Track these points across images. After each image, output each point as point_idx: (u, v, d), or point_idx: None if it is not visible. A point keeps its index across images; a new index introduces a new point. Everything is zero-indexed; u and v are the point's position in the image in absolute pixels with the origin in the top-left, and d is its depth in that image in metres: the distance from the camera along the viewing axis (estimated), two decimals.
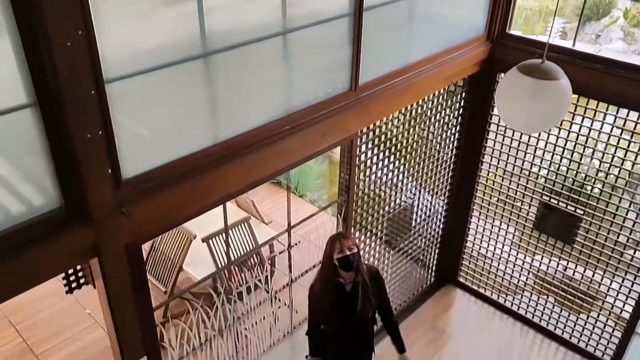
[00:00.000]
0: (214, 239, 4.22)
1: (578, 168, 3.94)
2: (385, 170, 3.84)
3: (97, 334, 4.48)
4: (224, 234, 4.21)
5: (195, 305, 2.89)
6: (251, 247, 4.40)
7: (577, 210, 3.99)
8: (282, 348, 3.60)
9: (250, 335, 3.40)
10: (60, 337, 4.46)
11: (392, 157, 3.87)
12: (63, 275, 2.31)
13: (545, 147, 4.01)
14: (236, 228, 4.37)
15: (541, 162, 4.12)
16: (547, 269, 4.38)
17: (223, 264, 4.13)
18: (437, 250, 4.84)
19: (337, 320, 3.06)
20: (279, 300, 3.67)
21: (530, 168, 4.18)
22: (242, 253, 4.33)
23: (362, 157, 3.52)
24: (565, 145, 3.91)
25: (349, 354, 3.21)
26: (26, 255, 1.92)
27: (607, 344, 4.21)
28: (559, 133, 3.91)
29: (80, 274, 2.34)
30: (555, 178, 4.05)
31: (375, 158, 3.68)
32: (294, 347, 3.69)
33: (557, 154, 3.98)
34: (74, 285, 2.34)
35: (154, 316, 2.48)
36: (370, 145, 3.57)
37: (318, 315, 3.11)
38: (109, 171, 2.04)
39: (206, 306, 2.98)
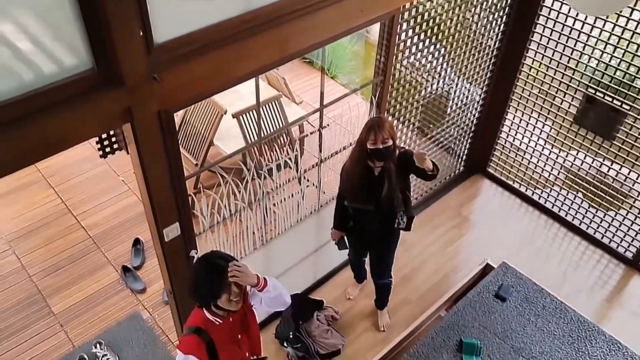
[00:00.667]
0: (244, 115, 4.20)
1: (632, 60, 3.69)
2: (424, 53, 3.66)
3: (130, 200, 4.67)
4: (254, 111, 4.18)
5: (225, 177, 2.93)
6: (281, 126, 4.37)
7: (623, 106, 3.80)
8: (308, 224, 3.69)
9: (278, 211, 3.48)
10: (96, 201, 4.67)
11: (432, 39, 3.67)
12: (97, 140, 2.32)
13: (600, 35, 3.74)
14: (267, 105, 4.32)
15: (592, 52, 3.87)
16: (581, 164, 4.29)
17: (253, 140, 4.14)
18: (469, 140, 4.76)
19: (361, 200, 3.12)
20: (308, 180, 3.71)
21: (580, 58, 3.93)
22: (272, 131, 4.31)
23: (402, 36, 3.34)
24: (622, 34, 3.63)
25: (370, 233, 3.29)
26: (60, 115, 1.92)
27: (632, 241, 4.21)
28: (617, 20, 3.62)
29: (113, 139, 2.35)
30: (605, 70, 3.82)
31: (415, 38, 3.49)
32: (320, 224, 3.79)
33: (610, 44, 3.71)
34: (107, 150, 2.36)
35: (185, 184, 2.52)
36: (411, 24, 3.37)
37: (345, 191, 3.16)
38: (140, 34, 1.96)
39: (237, 179, 3.02)
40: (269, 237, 3.51)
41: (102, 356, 3.57)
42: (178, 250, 2.71)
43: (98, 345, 3.61)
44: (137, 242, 4.27)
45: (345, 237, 3.45)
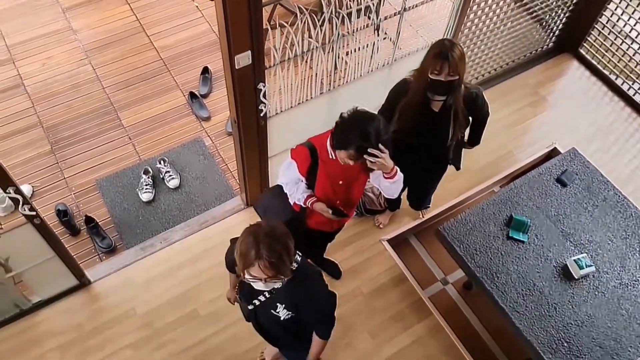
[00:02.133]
0: None
1: None
2: None
3: (203, 28, 4.64)
4: None
5: (303, 12, 2.81)
6: None
7: None
8: (377, 77, 3.58)
9: (350, 62, 3.37)
10: (169, 24, 4.65)
11: None
12: None
13: None
14: None
15: None
16: None
17: None
18: (566, 14, 4.33)
19: (410, 134, 2.77)
20: (385, 33, 3.52)
21: None
22: None
23: None
24: None
25: (411, 166, 2.87)
26: None
27: None
28: None
29: None
30: None
31: None
32: (389, 79, 3.67)
33: None
34: None
35: (262, 11, 2.43)
36: None
37: (391, 117, 2.76)
38: None
39: (313, 15, 2.89)
40: (336, 84, 3.44)
41: (165, 172, 3.79)
42: (247, 80, 2.70)
43: (162, 161, 3.83)
44: (205, 70, 4.30)
45: None
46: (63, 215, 3.54)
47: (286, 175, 2.54)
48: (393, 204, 3.66)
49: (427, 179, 3.33)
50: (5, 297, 3.09)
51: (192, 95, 4.18)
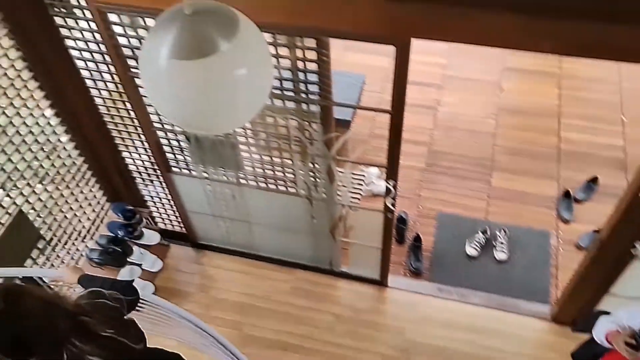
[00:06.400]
0: None
1: None
2: None
3: (611, 141, 4.46)
4: None
5: None
6: None
7: None
8: None
9: None
10: (584, 122, 4.60)
11: None
12: None
13: None
14: None
15: None
16: None
17: None
18: None
19: None
20: None
21: None
22: None
23: None
24: None
25: None
26: None
27: None
28: None
29: None
30: None
31: None
32: None
33: None
34: None
35: None
36: None
37: None
38: None
39: None
40: None
41: (499, 242, 3.84)
42: None
43: (502, 231, 3.88)
44: (594, 180, 4.12)
45: None
46: (401, 221, 3.96)
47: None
48: None
49: None
50: (325, 249, 3.62)
51: (566, 194, 4.09)
